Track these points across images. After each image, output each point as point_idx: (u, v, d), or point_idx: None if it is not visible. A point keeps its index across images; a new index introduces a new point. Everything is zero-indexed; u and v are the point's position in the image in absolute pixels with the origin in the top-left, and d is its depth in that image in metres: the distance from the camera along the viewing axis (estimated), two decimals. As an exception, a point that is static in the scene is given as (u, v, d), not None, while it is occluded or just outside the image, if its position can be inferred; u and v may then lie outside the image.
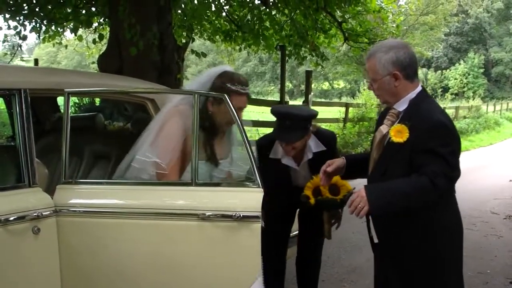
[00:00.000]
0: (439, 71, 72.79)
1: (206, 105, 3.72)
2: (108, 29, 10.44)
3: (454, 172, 3.24)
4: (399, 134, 3.26)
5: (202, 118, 3.51)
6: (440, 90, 67.48)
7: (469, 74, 70.59)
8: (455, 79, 70.03)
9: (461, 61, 71.94)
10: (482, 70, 71.57)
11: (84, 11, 10.42)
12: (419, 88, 3.44)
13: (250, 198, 3.39)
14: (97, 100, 8.52)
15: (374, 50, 3.47)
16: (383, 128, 3.46)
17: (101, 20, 11.74)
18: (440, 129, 3.23)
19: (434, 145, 3.18)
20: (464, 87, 69.18)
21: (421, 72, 66.04)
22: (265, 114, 16.50)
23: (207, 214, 3.37)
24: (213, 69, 3.93)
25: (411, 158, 3.26)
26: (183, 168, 3.72)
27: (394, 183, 3.28)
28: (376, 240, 3.56)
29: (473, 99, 50.68)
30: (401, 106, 3.42)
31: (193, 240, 3.46)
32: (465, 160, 5.47)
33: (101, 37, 10.10)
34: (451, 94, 65.53)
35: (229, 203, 3.42)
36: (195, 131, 3.43)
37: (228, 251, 3.44)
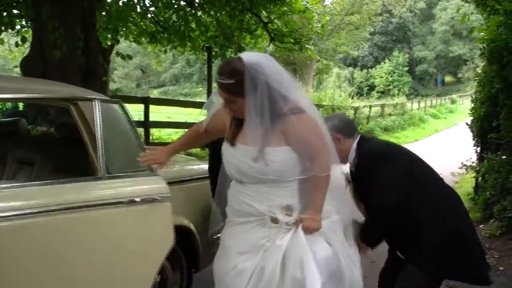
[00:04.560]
0: (365, 70, 74.05)
1: None
2: (31, 31, 10.23)
3: (396, 182, 3.92)
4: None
5: None
6: (367, 88, 68.62)
7: (394, 73, 71.99)
8: (381, 77, 71.33)
9: (386, 60, 73.34)
10: (406, 68, 73.14)
11: (6, 13, 10.19)
12: (358, 138, 4.21)
13: (149, 184, 4.18)
14: (21, 105, 8.36)
15: None
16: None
17: (24, 23, 11.51)
18: (370, 159, 4.04)
19: (376, 167, 3.95)
20: (389, 85, 70.51)
21: (347, 71, 67.14)
22: (192, 116, 16.48)
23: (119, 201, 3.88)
24: None
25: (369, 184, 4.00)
26: None
27: (367, 226, 4.06)
28: (402, 257, 4.15)
29: (398, 97, 51.74)
30: (351, 157, 4.17)
31: (111, 225, 3.91)
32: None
33: (23, 39, 9.89)
34: (377, 92, 66.94)
35: (134, 190, 4.05)
36: (98, 130, 3.85)
37: (142, 228, 4.10)
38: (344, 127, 4.18)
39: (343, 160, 4.12)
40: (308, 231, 3.44)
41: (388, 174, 3.90)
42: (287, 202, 3.48)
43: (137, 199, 4.03)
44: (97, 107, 4.06)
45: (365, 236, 4.02)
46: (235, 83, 3.33)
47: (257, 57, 3.45)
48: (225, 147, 3.63)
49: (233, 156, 3.54)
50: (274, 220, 3.44)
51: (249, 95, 3.33)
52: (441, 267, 3.93)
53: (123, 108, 3.95)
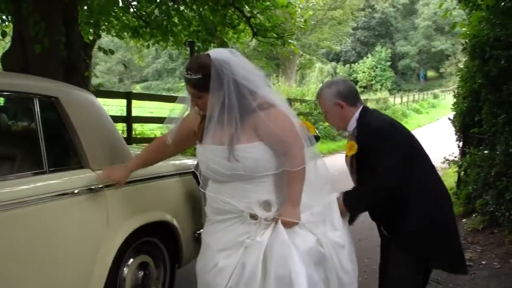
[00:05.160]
0: (348, 65, 74.34)
1: None
2: (11, 26, 10.12)
3: (395, 166, 3.83)
4: (350, 149, 4.00)
5: None
6: (349, 83, 68.76)
7: (376, 67, 72.38)
8: (363, 72, 71.69)
9: (369, 55, 73.74)
10: (389, 63, 73.55)
11: (-15, 8, 10.09)
12: (361, 108, 4.11)
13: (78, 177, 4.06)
14: (1, 100, 8.27)
15: (321, 88, 4.27)
16: None
17: (4, 17, 11.39)
18: (374, 133, 3.92)
19: (374, 147, 3.87)
20: (372, 80, 70.89)
21: (330, 66, 67.30)
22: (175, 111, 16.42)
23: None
24: None
25: (369, 161, 3.91)
26: None
27: (358, 189, 4.10)
28: (389, 236, 4.16)
29: (381, 92, 52.03)
30: (352, 126, 4.09)
31: (55, 218, 3.84)
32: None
33: (4, 34, 9.76)
34: (360, 87, 67.19)
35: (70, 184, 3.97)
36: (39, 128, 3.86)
37: (77, 220, 3.99)
38: (349, 94, 4.11)
39: (343, 128, 4.19)
40: (287, 225, 3.45)
41: (389, 155, 3.85)
42: (265, 198, 3.49)
43: (76, 191, 3.97)
44: (36, 104, 3.99)
45: (350, 203, 3.96)
46: (201, 78, 3.35)
47: (225, 53, 3.46)
48: (198, 148, 3.64)
49: (205, 156, 3.55)
50: (253, 217, 3.47)
51: (214, 91, 3.35)
52: (427, 253, 3.96)
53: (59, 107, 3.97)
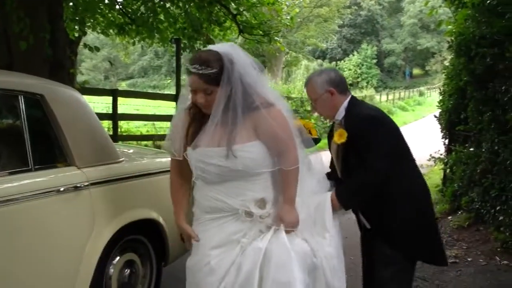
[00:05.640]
0: (334, 62, 74.30)
1: None
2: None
3: (387, 153, 3.84)
4: (340, 136, 3.95)
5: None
6: (335, 81, 68.93)
7: (362, 65, 72.47)
8: (350, 69, 71.68)
9: (355, 52, 73.81)
10: (375, 61, 73.68)
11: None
12: (350, 97, 4.09)
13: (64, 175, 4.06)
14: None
15: (310, 76, 4.25)
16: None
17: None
18: (366, 121, 3.91)
19: (365, 135, 3.83)
20: (358, 77, 70.95)
21: (316, 63, 67.26)
22: (161, 108, 16.39)
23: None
24: None
25: (357, 150, 3.89)
26: None
27: (349, 184, 4.00)
28: (368, 226, 4.11)
29: (367, 89, 52.15)
30: (340, 115, 4.06)
31: (40, 216, 3.83)
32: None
33: (-12, 31, 9.72)
34: (346, 84, 67.07)
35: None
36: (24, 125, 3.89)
37: (62, 218, 4.00)
38: (340, 82, 4.09)
39: (331, 117, 4.16)
40: (285, 223, 3.44)
41: (381, 141, 3.85)
42: (260, 196, 3.45)
43: (62, 189, 3.95)
44: (21, 101, 3.98)
45: (342, 201, 3.89)
46: (215, 72, 3.26)
47: (229, 48, 3.40)
48: (190, 152, 3.49)
49: (199, 160, 3.43)
50: (248, 214, 3.42)
51: (223, 86, 3.28)
52: (415, 248, 3.99)
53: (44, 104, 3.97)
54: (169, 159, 3.75)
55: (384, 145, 3.84)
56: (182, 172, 3.66)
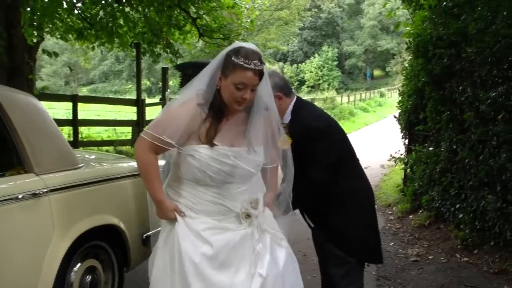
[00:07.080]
0: (295, 65, 74.69)
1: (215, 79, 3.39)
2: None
3: (329, 164, 3.97)
4: (285, 142, 3.77)
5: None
6: (297, 83, 69.37)
7: (324, 67, 72.91)
8: (311, 72, 72.10)
9: (316, 55, 74.20)
10: (336, 63, 74.21)
11: None
12: (295, 99, 4.16)
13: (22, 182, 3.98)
14: None
15: None
16: None
17: None
18: (310, 133, 3.96)
19: (310, 147, 3.91)
20: (319, 79, 71.37)
21: (277, 66, 67.47)
22: (122, 113, 16.28)
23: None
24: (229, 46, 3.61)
25: (300, 159, 3.87)
26: None
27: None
28: (312, 225, 4.27)
29: (328, 91, 52.42)
30: (287, 119, 4.10)
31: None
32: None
33: None
34: (307, 86, 67.60)
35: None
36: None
37: (21, 225, 3.90)
38: (285, 85, 4.15)
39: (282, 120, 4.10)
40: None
41: (323, 154, 3.94)
42: (255, 196, 3.45)
43: (20, 196, 3.87)
44: None
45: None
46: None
47: None
48: (205, 150, 3.30)
49: (231, 159, 3.30)
50: (248, 216, 3.38)
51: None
52: (352, 244, 4.10)
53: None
54: (130, 163, 3.71)
55: (327, 158, 3.97)
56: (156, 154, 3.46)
